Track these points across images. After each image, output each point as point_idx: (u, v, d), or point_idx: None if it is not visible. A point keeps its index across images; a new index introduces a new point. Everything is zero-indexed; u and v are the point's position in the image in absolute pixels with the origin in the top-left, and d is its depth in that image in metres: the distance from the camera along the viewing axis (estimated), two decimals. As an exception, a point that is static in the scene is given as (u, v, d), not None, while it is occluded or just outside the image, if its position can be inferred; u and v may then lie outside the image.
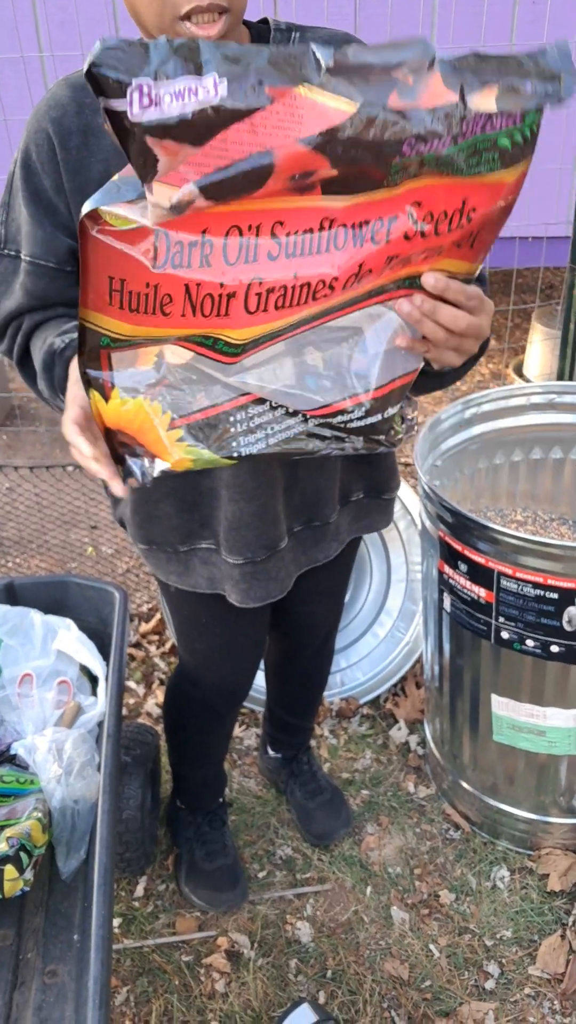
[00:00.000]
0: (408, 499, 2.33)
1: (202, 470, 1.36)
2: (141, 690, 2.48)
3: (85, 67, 0.73)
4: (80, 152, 1.17)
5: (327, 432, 1.03)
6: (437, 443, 2.02)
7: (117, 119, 0.74)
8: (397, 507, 2.31)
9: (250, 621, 1.60)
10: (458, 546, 1.71)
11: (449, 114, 0.79)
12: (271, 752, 2.15)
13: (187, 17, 1.05)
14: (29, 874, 1.41)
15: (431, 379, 1.12)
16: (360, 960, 1.80)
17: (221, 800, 1.98)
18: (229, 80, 0.74)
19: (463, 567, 1.72)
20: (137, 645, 2.64)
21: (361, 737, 2.32)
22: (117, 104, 0.73)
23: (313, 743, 2.25)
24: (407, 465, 3.00)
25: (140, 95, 0.73)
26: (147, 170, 0.77)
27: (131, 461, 0.99)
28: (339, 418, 1.01)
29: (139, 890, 1.94)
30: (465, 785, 2.03)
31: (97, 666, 1.71)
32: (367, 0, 3.27)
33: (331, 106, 0.76)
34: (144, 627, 2.68)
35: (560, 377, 2.62)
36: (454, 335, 0.96)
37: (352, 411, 1.01)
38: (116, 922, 1.86)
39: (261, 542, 1.40)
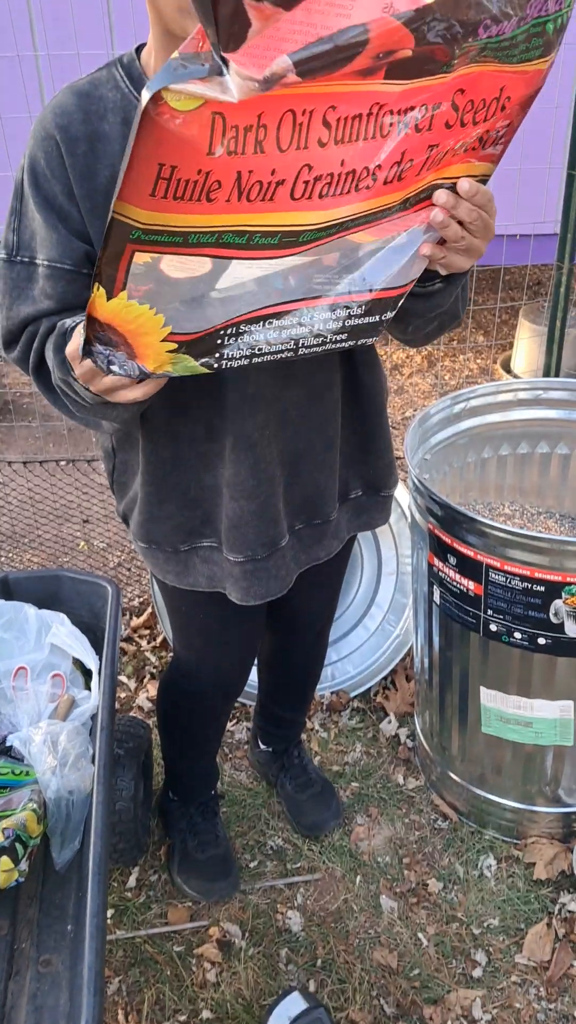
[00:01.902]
0: (398, 493, 2.35)
1: (203, 467, 1.38)
2: (132, 684, 2.50)
3: None
4: (88, 158, 1.18)
5: (319, 325, 1.05)
6: (426, 437, 2.05)
7: None
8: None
9: (246, 617, 1.61)
10: (447, 539, 1.73)
11: None
12: (262, 745, 2.17)
13: None
14: (24, 865, 1.43)
15: (424, 299, 1.17)
16: (350, 949, 1.82)
17: (213, 792, 2.00)
18: None
19: (452, 560, 1.74)
20: (128, 639, 2.65)
21: (351, 730, 2.35)
22: None
23: (304, 736, 2.27)
24: (398, 458, 3.02)
25: None
26: (234, 38, 0.74)
27: (100, 347, 0.97)
28: (338, 311, 1.04)
29: (131, 881, 1.96)
30: (453, 776, 2.05)
31: (90, 660, 1.73)
32: None
33: None
34: (135, 621, 2.70)
35: (547, 373, 2.65)
36: (467, 236, 1.04)
37: (351, 307, 1.05)
38: (108, 913, 1.88)
39: (262, 540, 1.42)
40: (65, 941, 1.45)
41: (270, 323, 1.01)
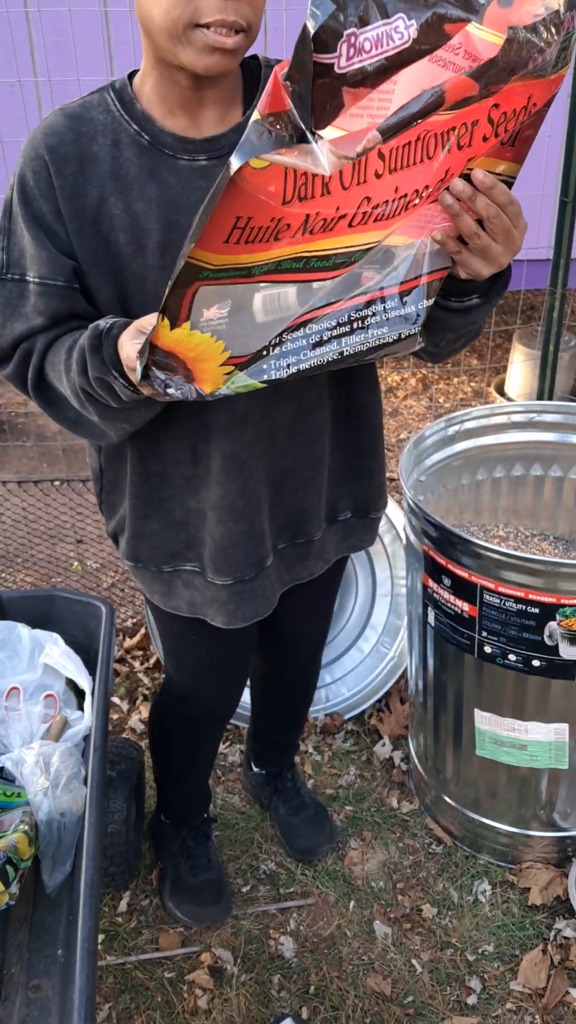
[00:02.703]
0: (393, 514, 2.35)
1: (188, 491, 1.38)
2: (125, 705, 2.48)
3: (313, 29, 0.74)
4: (77, 179, 1.19)
5: (358, 324, 1.07)
6: (421, 459, 2.05)
7: (321, 71, 0.77)
8: (383, 521, 2.33)
9: (238, 639, 1.61)
10: (442, 560, 1.73)
11: (554, 19, 0.84)
12: (255, 768, 2.15)
13: (205, 26, 1.08)
14: (15, 888, 1.42)
15: (461, 315, 1.18)
16: (343, 975, 1.80)
17: (206, 815, 1.99)
18: (417, 21, 0.78)
19: (447, 581, 1.74)
20: (121, 660, 2.64)
21: (345, 753, 2.33)
22: (325, 58, 0.76)
23: (297, 759, 2.26)
24: (392, 480, 3.03)
25: (348, 46, 0.77)
26: (327, 116, 0.79)
27: (158, 372, 1.01)
28: (373, 307, 1.07)
29: (122, 905, 1.93)
30: (448, 800, 2.04)
31: (83, 680, 1.72)
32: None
33: (489, 39, 0.82)
34: (128, 642, 2.69)
35: (540, 397, 2.66)
36: (482, 236, 1.02)
37: (386, 301, 1.07)
38: (99, 938, 1.86)
39: (249, 560, 1.41)
40: (55, 966, 1.43)
41: (309, 327, 1.04)
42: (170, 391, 1.02)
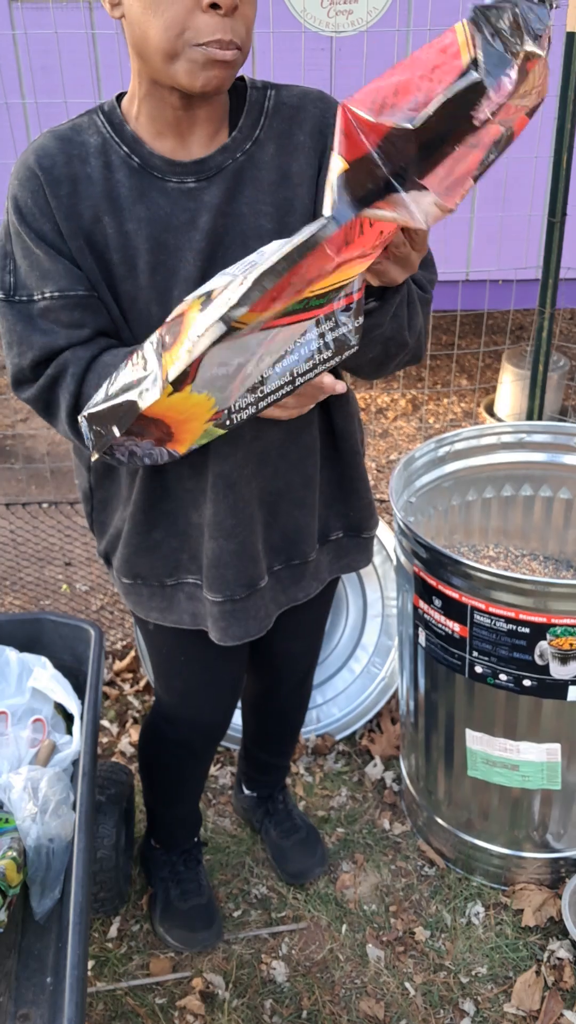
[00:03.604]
0: (384, 535, 2.35)
1: (190, 504, 1.38)
2: (115, 729, 2.47)
3: (480, 80, 0.76)
4: (71, 199, 1.20)
5: (317, 342, 1.06)
6: (411, 480, 2.05)
7: (466, 124, 0.79)
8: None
9: (229, 659, 1.60)
10: (432, 581, 1.73)
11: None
12: (246, 791, 2.14)
13: (202, 45, 1.09)
14: (3, 915, 1.40)
15: (374, 343, 1.18)
16: (336, 999, 1.78)
17: (196, 839, 1.97)
18: (516, 63, 0.80)
19: (437, 602, 1.74)
20: (111, 683, 2.62)
21: (337, 774, 2.32)
22: (474, 111, 0.79)
23: (288, 781, 2.24)
24: (382, 501, 3.03)
25: (486, 98, 0.79)
26: (433, 167, 0.81)
27: (122, 441, 0.97)
28: (322, 326, 1.05)
29: (112, 931, 1.91)
30: (440, 821, 2.03)
31: (72, 704, 1.71)
32: (342, 57, 3.36)
33: (535, 77, 0.84)
34: (118, 665, 2.67)
35: (530, 417, 2.67)
36: (408, 245, 1.02)
37: (332, 316, 1.06)
38: (89, 964, 1.84)
39: (241, 580, 1.41)
40: (44, 994, 1.41)
41: (262, 360, 1.02)
42: (134, 460, 0.99)
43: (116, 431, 0.93)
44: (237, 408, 1.01)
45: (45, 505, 3.03)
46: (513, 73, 0.79)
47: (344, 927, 1.93)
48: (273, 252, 0.82)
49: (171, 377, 0.87)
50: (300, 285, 0.85)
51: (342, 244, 0.83)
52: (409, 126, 0.78)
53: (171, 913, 1.89)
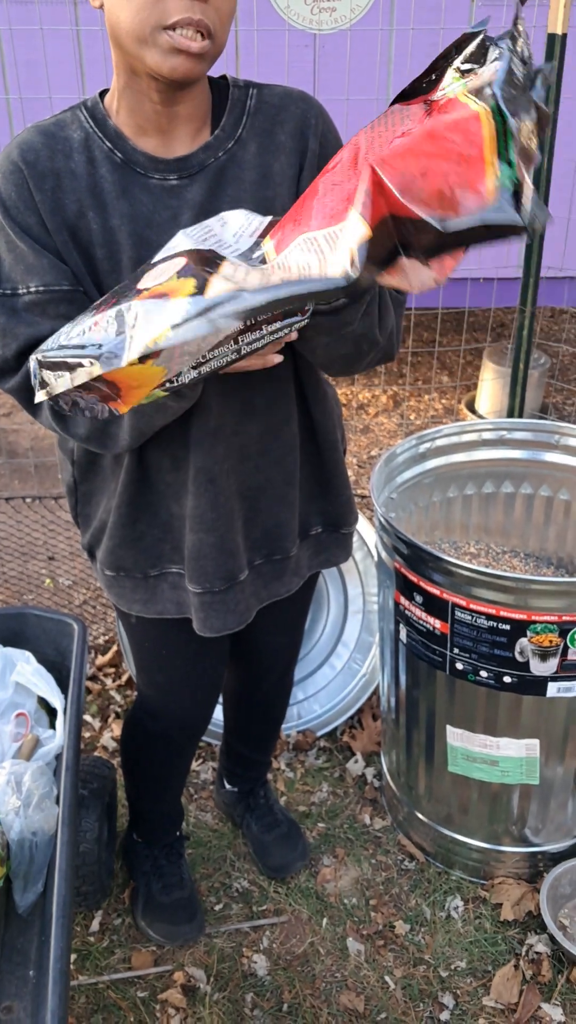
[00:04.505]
0: (365, 531, 2.37)
1: (171, 496, 1.39)
2: (97, 723, 2.47)
3: (513, 222, 0.81)
4: (55, 194, 1.21)
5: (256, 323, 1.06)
6: (392, 476, 2.07)
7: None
8: (354, 538, 2.34)
9: (209, 653, 1.61)
10: (414, 578, 1.75)
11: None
12: (228, 786, 2.15)
13: (171, 27, 1.09)
14: (-15, 908, 1.40)
15: (330, 315, 1.17)
16: (316, 993, 1.80)
17: (178, 833, 1.98)
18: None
19: (419, 598, 1.75)
20: (93, 678, 2.63)
21: (318, 770, 2.34)
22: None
23: (270, 776, 2.26)
24: (364, 497, 3.05)
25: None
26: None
27: (70, 393, 0.98)
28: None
29: (94, 925, 1.92)
30: (420, 816, 2.05)
31: (55, 699, 1.72)
32: (326, 55, 3.36)
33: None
34: (101, 660, 2.67)
35: (511, 414, 2.69)
36: None
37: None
38: (71, 958, 1.84)
39: (220, 573, 1.42)
40: (27, 987, 1.42)
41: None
42: (76, 410, 1.00)
43: (69, 382, 0.94)
44: (178, 373, 1.01)
45: (28, 500, 3.03)
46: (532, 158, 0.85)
47: (325, 921, 1.95)
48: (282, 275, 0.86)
49: (140, 354, 0.89)
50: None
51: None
52: (438, 227, 0.81)
53: (153, 907, 1.90)
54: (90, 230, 1.23)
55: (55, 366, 0.97)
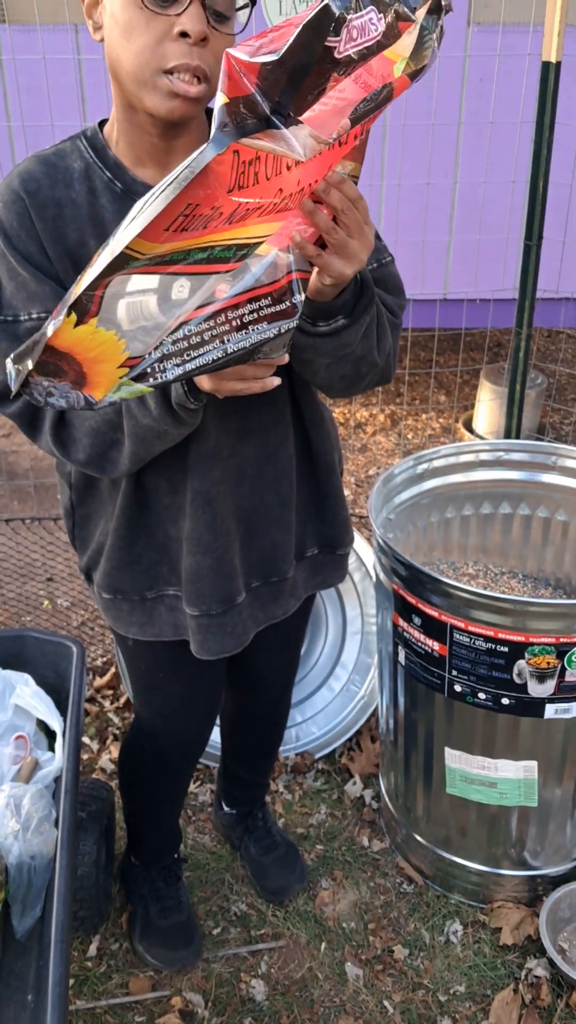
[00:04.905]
0: (363, 551, 2.37)
1: (168, 519, 1.40)
2: (95, 745, 2.46)
3: (337, 10, 0.79)
4: (56, 222, 1.22)
5: (238, 322, 1.05)
6: (390, 497, 2.07)
7: (324, 54, 0.81)
8: (352, 559, 2.35)
9: (207, 675, 1.62)
10: (412, 599, 1.75)
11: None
12: (226, 808, 2.14)
13: (170, 71, 1.12)
14: (-17, 933, 1.40)
15: (330, 338, 1.19)
16: (314, 1018, 1.79)
17: (176, 856, 1.97)
18: (384, 16, 0.84)
19: (417, 620, 1.76)
20: (91, 700, 2.62)
21: (316, 792, 2.33)
22: (332, 41, 0.81)
23: (268, 798, 2.25)
24: (361, 517, 3.05)
25: (347, 32, 0.81)
26: (308, 102, 0.83)
27: (40, 379, 0.96)
28: (250, 306, 1.05)
29: (92, 949, 1.91)
30: (419, 838, 2.04)
31: (54, 721, 1.71)
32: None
33: (409, 40, 0.88)
34: (99, 681, 2.67)
35: (508, 435, 2.70)
36: (340, 232, 1.04)
37: (263, 299, 1.06)
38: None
39: (217, 595, 1.43)
40: (25, 1012, 1.41)
41: (187, 328, 1.01)
42: (52, 400, 0.98)
43: (30, 363, 0.93)
44: (156, 362, 1.00)
45: (27, 521, 3.03)
46: (378, 21, 0.84)
47: (323, 945, 1.94)
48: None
49: (69, 302, 0.88)
50: (194, 223, 0.85)
51: (233, 186, 0.83)
52: (275, 58, 0.80)
53: (151, 931, 1.89)
54: (91, 258, 1.24)
55: (22, 356, 0.96)
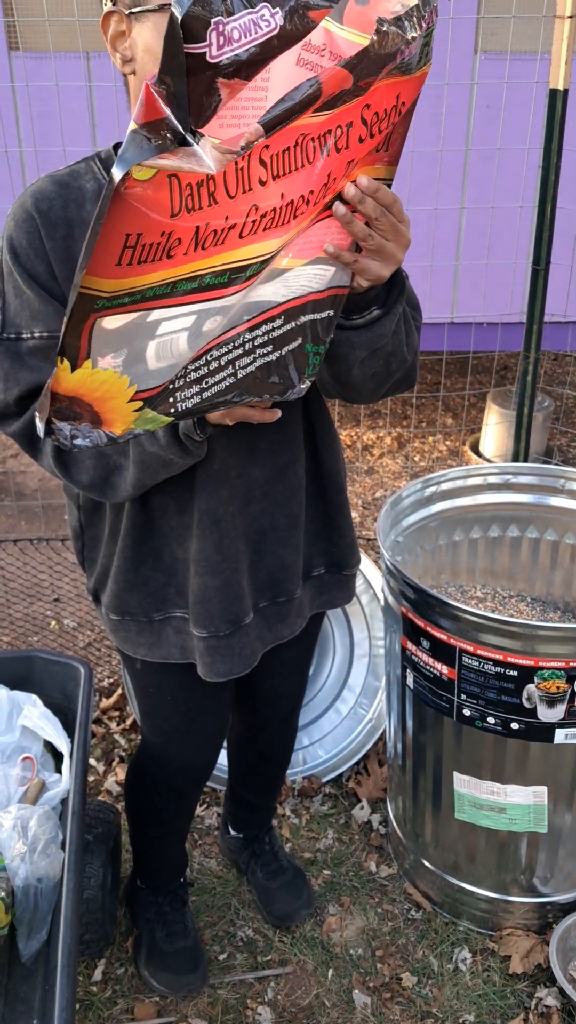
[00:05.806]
0: (371, 574, 2.37)
1: (175, 540, 1.40)
2: (101, 767, 2.45)
3: (180, 15, 0.75)
4: (67, 242, 1.23)
5: (251, 345, 1.05)
6: (398, 520, 2.07)
7: (194, 62, 0.77)
8: (360, 581, 2.34)
9: (214, 697, 1.61)
10: (421, 623, 1.75)
11: (415, 14, 0.88)
12: (232, 831, 2.13)
13: None
14: (-11, 957, 1.39)
15: (364, 330, 1.19)
16: (322, 1046, 1.77)
17: (182, 880, 1.96)
18: (282, 9, 0.81)
19: (426, 644, 1.75)
20: (98, 721, 2.61)
21: (323, 816, 2.32)
22: (196, 48, 0.77)
23: (275, 822, 2.24)
24: (369, 540, 3.05)
25: (217, 35, 0.77)
26: (205, 113, 0.80)
27: (60, 424, 0.97)
28: (263, 328, 1.05)
29: (97, 974, 1.89)
30: (427, 864, 2.03)
31: (62, 742, 1.71)
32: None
33: (352, 39, 0.85)
34: (105, 702, 2.66)
35: (515, 458, 2.70)
36: (375, 236, 1.05)
37: (275, 320, 1.06)
38: (73, 1008, 1.82)
39: (225, 616, 1.43)
40: (29, 1039, 1.40)
41: (210, 354, 1.02)
42: (77, 442, 0.99)
43: (46, 412, 0.94)
44: (177, 391, 1.01)
45: (35, 541, 3.04)
46: (272, 16, 0.81)
47: (330, 972, 1.92)
48: None
49: (59, 348, 0.88)
50: (150, 253, 0.84)
51: (179, 209, 0.82)
52: (158, 76, 0.79)
53: (156, 956, 1.87)
54: None
55: (40, 407, 0.97)
